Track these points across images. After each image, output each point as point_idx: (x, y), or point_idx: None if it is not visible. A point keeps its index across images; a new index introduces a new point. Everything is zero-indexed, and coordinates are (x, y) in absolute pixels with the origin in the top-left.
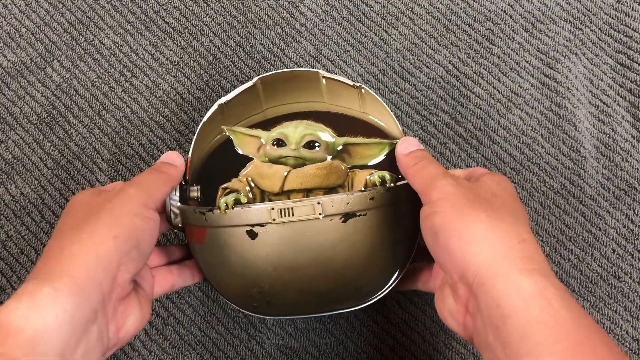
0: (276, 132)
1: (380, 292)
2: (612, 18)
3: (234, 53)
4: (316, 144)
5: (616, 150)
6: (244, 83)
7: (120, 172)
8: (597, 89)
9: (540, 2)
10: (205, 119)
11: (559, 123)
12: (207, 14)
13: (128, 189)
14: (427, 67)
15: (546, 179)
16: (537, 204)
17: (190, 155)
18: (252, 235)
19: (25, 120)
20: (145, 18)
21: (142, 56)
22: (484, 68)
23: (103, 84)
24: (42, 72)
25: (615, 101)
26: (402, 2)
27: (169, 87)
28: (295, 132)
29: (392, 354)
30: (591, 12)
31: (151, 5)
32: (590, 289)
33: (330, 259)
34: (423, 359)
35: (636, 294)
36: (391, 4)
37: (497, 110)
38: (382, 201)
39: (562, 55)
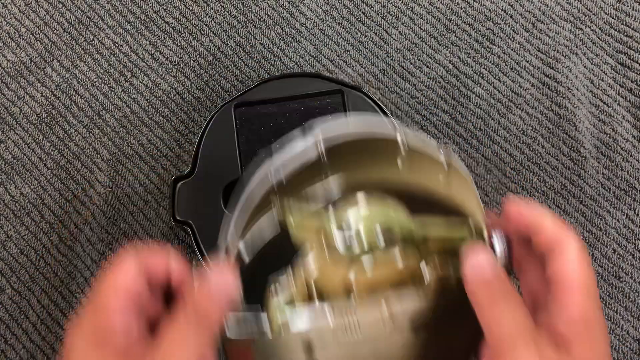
0: (342, 216)
1: None
2: (613, 18)
3: (234, 53)
4: (391, 238)
5: (617, 150)
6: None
7: (120, 172)
8: (598, 89)
9: (541, 2)
10: (252, 186)
11: (559, 123)
12: (207, 14)
13: None
14: (427, 67)
15: (546, 179)
16: (537, 204)
17: (233, 227)
18: (309, 351)
19: (25, 120)
20: (145, 18)
21: (142, 56)
22: (484, 68)
23: (103, 84)
24: (42, 72)
25: (615, 101)
26: (402, 2)
27: (169, 87)
28: (367, 219)
29: None
30: (591, 12)
31: (151, 5)
32: None
33: None
34: None
35: (637, 293)
36: (391, 3)
37: (497, 110)
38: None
39: (563, 55)
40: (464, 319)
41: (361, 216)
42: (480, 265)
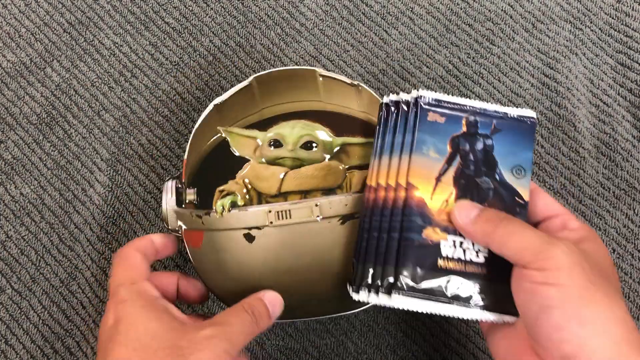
0: (273, 132)
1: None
2: (612, 18)
3: (234, 53)
4: (314, 145)
5: (616, 150)
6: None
7: (119, 172)
8: (598, 89)
9: (541, 2)
10: (200, 119)
11: (558, 123)
12: (207, 14)
13: (212, 338)
14: (427, 67)
15: (546, 179)
16: None
17: (186, 157)
18: (250, 238)
19: (25, 120)
20: (145, 18)
21: (142, 56)
22: (484, 68)
23: (102, 84)
24: (42, 72)
25: (615, 101)
26: (402, 2)
27: (169, 87)
28: (292, 132)
29: (392, 354)
30: (591, 12)
31: (151, 5)
32: None
33: (329, 261)
34: (423, 359)
35: (636, 293)
36: (391, 4)
37: None
38: None
39: (562, 55)
40: None
41: (288, 130)
42: (465, 208)
